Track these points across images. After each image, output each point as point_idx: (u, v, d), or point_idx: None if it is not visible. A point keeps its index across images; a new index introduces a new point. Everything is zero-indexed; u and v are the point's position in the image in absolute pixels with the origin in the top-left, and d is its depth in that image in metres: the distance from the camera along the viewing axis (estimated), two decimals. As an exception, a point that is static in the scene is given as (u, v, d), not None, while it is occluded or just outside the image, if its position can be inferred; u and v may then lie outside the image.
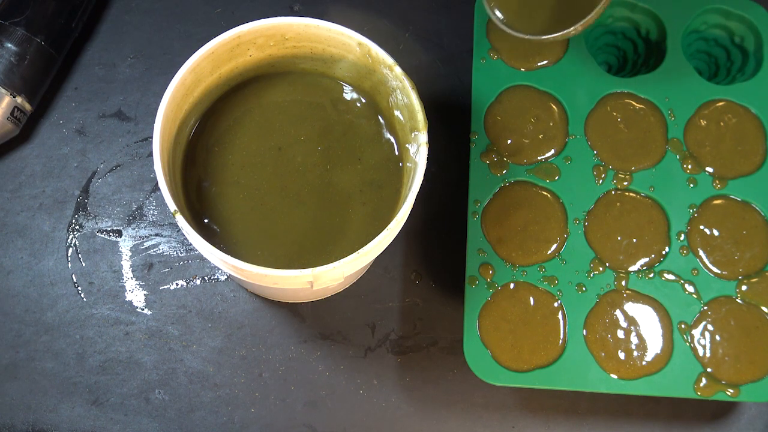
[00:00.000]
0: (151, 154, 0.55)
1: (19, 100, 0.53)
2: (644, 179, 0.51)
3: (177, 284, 0.53)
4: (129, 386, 0.52)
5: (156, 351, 0.52)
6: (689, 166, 0.51)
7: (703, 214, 0.51)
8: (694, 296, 0.49)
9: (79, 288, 0.53)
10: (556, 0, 0.50)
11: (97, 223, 0.54)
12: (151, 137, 0.55)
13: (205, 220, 0.45)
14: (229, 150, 0.46)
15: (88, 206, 0.55)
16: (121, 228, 0.54)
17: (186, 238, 0.54)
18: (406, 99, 0.43)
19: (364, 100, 0.47)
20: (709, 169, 0.51)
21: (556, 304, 0.49)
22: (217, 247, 0.39)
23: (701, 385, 0.48)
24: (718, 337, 0.48)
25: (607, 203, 0.51)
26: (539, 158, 0.51)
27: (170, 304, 0.53)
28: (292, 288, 0.42)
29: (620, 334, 0.48)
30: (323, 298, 0.53)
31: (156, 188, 0.55)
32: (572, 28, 0.47)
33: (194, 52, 0.42)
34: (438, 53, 0.58)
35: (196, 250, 0.53)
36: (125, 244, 0.54)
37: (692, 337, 0.48)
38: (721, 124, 0.52)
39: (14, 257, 0.53)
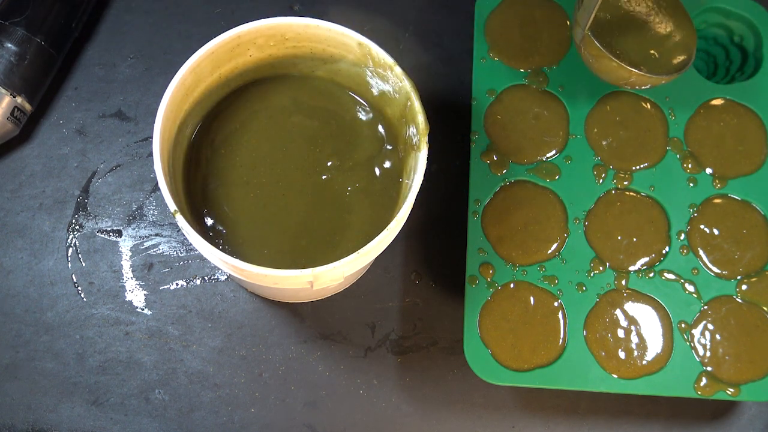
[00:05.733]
0: (151, 154, 0.55)
1: (19, 100, 0.53)
2: (644, 179, 0.51)
3: (177, 284, 0.53)
4: (129, 386, 0.52)
5: (156, 351, 0.52)
6: (689, 166, 0.51)
7: (704, 214, 0.51)
8: (694, 296, 0.49)
9: (79, 288, 0.53)
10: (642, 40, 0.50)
11: (97, 223, 0.54)
12: (151, 137, 0.55)
13: (210, 221, 0.45)
14: (236, 152, 0.46)
15: (88, 206, 0.55)
16: (121, 228, 0.54)
17: (186, 238, 0.54)
18: (407, 99, 0.43)
19: (364, 101, 0.47)
20: (709, 169, 0.51)
21: (556, 304, 0.49)
22: (223, 247, 0.39)
23: (701, 384, 0.48)
24: (718, 337, 0.48)
25: (608, 203, 0.51)
26: (539, 158, 0.51)
27: (170, 304, 0.53)
28: (292, 288, 0.42)
29: (620, 333, 0.48)
30: (323, 298, 0.53)
31: (156, 188, 0.55)
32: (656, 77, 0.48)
33: (194, 52, 0.42)
34: (438, 53, 0.58)
35: (196, 250, 0.53)
36: (125, 244, 0.54)
37: (692, 336, 0.48)
38: (722, 123, 0.52)
39: (14, 257, 0.53)
